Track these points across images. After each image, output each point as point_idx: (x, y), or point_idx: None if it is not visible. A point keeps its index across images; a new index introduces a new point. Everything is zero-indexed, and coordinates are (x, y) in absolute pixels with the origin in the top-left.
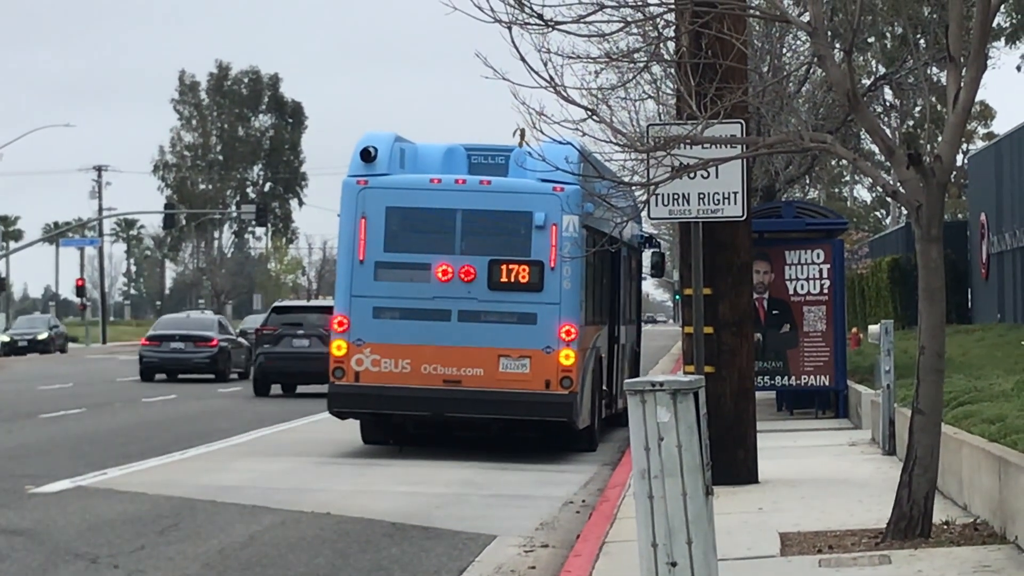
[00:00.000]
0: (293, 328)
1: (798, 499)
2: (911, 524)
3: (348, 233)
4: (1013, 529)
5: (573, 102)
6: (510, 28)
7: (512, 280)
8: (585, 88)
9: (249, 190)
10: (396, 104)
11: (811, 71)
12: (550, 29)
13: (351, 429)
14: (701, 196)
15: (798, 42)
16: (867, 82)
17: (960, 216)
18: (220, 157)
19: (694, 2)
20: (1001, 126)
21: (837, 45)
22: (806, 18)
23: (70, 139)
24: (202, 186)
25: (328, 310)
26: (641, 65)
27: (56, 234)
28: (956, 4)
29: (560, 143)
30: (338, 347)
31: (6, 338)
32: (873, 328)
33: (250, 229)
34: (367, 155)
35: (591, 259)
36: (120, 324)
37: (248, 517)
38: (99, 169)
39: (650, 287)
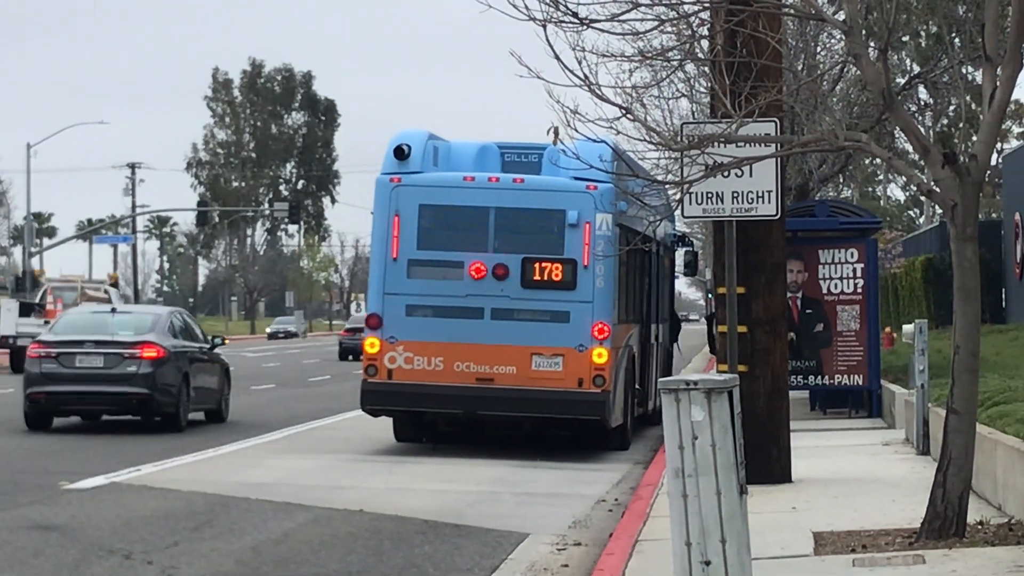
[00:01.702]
0: None
1: (831, 498)
2: (945, 524)
3: (381, 231)
4: None
5: (607, 100)
6: (544, 26)
7: (545, 278)
8: (619, 86)
9: (282, 188)
10: (429, 102)
11: (846, 69)
12: (584, 27)
13: (384, 427)
14: (735, 195)
15: (833, 40)
16: (902, 81)
17: (994, 216)
18: (253, 155)
19: (729, 0)
20: None
21: (872, 44)
22: (841, 16)
23: (104, 136)
24: (235, 183)
25: None
26: (675, 63)
27: (90, 231)
28: (992, 3)
29: (594, 141)
30: (371, 344)
31: None
32: (907, 327)
33: (283, 227)
34: (400, 153)
35: (624, 258)
36: None
37: (281, 514)
38: (133, 166)
39: (683, 286)
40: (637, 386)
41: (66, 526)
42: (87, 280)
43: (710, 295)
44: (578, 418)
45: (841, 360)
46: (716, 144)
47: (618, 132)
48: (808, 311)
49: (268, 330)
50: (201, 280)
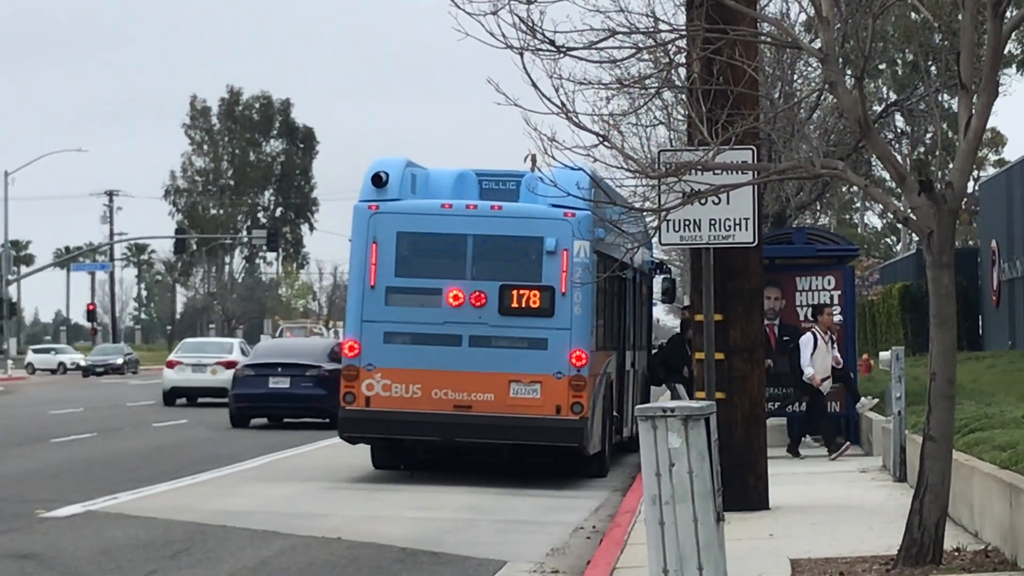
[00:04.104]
0: None
1: (809, 525)
2: (922, 551)
3: (359, 258)
4: None
5: (584, 128)
6: (522, 54)
7: (523, 305)
8: (596, 114)
9: (260, 215)
10: (407, 129)
11: (822, 97)
12: (562, 55)
13: (362, 454)
14: (712, 222)
15: (809, 68)
16: (878, 109)
17: (971, 243)
18: (231, 182)
19: (706, 29)
20: (1012, 153)
21: (848, 72)
22: (817, 44)
23: (81, 164)
24: (213, 211)
25: None
26: (652, 91)
27: (67, 259)
28: (968, 31)
29: (571, 169)
30: (349, 372)
31: None
32: (884, 355)
33: (261, 254)
34: (378, 180)
35: (602, 285)
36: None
37: (259, 542)
38: (110, 194)
39: (660, 313)
40: (615, 413)
41: (43, 555)
42: (312, 322)
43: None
44: (556, 445)
45: None
46: (693, 172)
47: (595, 159)
48: (785, 338)
49: (83, 363)
50: (179, 308)
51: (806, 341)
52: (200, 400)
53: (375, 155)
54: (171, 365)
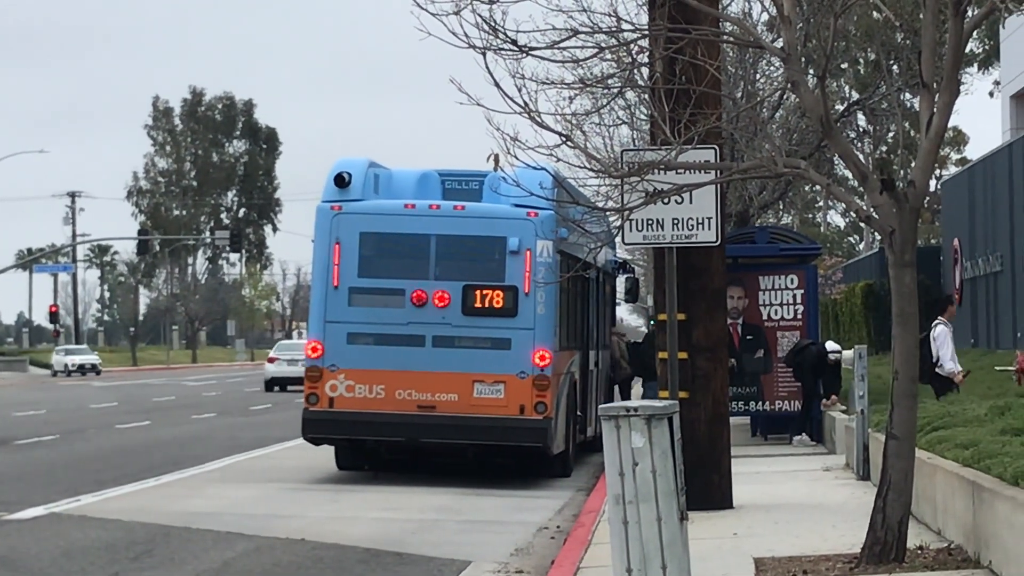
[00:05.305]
0: None
1: (772, 524)
2: (885, 549)
3: (322, 259)
4: (987, 554)
5: (547, 127)
6: (484, 54)
7: (486, 305)
8: (559, 113)
9: (223, 216)
10: (370, 130)
11: (785, 97)
12: (524, 55)
13: (326, 455)
14: (675, 221)
15: (772, 68)
16: (840, 108)
17: (933, 241)
18: (194, 183)
19: (668, 28)
20: (974, 151)
21: (810, 71)
22: (779, 44)
23: (44, 165)
24: (176, 212)
25: None
26: (615, 91)
27: (30, 260)
28: (929, 30)
29: (534, 168)
30: (312, 372)
31: None
32: (847, 353)
33: (224, 255)
34: (341, 181)
35: (565, 284)
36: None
37: (222, 543)
38: (73, 195)
39: (624, 312)
40: (579, 412)
41: (6, 557)
42: None
43: (652, 321)
44: (520, 445)
45: (782, 386)
46: (656, 171)
47: (558, 159)
48: (749, 337)
49: None
50: (142, 309)
51: (945, 334)
52: (289, 388)
53: (338, 156)
54: (271, 361)
